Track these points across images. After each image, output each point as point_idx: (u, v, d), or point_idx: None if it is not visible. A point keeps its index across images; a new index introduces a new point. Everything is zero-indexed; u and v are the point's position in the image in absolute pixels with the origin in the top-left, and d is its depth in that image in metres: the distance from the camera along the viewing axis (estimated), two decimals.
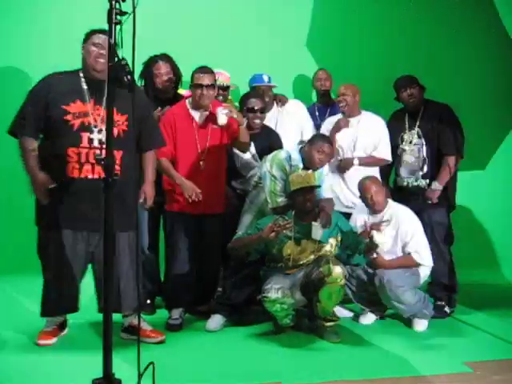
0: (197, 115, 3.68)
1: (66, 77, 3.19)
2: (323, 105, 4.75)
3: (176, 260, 3.70)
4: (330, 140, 3.76)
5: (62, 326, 3.36)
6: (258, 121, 3.94)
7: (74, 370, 2.84)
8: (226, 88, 4.28)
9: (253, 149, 3.99)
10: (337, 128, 4.09)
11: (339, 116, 4.29)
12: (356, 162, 4.10)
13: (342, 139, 4.16)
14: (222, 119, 3.54)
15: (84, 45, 3.18)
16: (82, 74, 3.18)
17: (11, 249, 5.09)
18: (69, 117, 3.05)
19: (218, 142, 3.71)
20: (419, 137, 4.05)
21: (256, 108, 3.92)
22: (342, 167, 4.14)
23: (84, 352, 3.09)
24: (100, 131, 3.05)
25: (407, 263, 3.62)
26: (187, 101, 3.72)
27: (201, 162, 3.66)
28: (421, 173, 4.03)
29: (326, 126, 4.27)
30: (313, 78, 4.85)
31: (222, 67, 4.29)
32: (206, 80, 3.58)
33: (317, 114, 4.67)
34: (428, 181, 4.01)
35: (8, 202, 5.21)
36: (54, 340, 3.25)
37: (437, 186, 3.93)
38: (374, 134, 4.16)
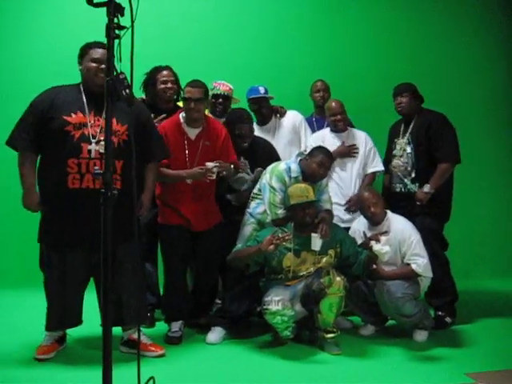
0: (189, 130, 3.65)
1: (66, 89, 3.20)
2: (321, 116, 4.73)
3: (172, 273, 3.69)
4: (330, 153, 3.77)
5: (61, 340, 3.35)
6: (245, 144, 3.92)
7: None
8: (226, 98, 4.21)
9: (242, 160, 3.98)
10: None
11: (327, 131, 4.37)
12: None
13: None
14: (212, 174, 3.53)
15: (81, 60, 3.19)
16: (82, 88, 3.20)
17: (11, 262, 5.09)
18: (69, 127, 3.05)
19: (207, 159, 3.63)
20: (409, 143, 4.08)
21: (241, 134, 3.89)
22: (352, 206, 4.17)
23: (83, 366, 3.08)
24: (98, 142, 3.05)
25: (406, 274, 3.61)
26: (181, 115, 3.70)
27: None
28: (409, 178, 4.06)
29: (314, 140, 4.29)
30: (310, 89, 4.84)
31: (221, 79, 4.30)
32: (195, 94, 3.56)
33: (315, 125, 4.65)
34: (417, 185, 4.02)
35: (9, 215, 5.21)
36: (52, 354, 3.22)
37: (428, 188, 3.93)
38: (363, 147, 4.26)
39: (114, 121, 3.11)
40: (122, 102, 2.06)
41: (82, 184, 3.03)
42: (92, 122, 3.08)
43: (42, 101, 3.13)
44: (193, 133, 3.65)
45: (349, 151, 4.21)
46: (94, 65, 3.11)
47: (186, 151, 3.62)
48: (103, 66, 3.06)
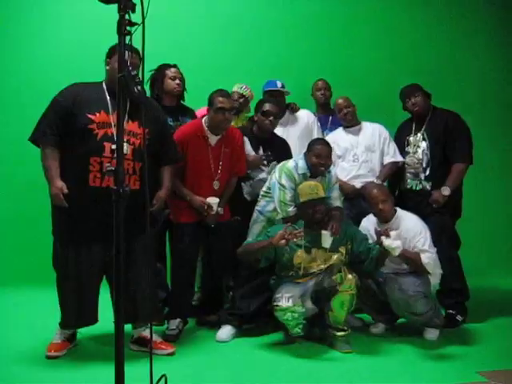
0: (211, 137, 3.68)
1: (90, 87, 3.20)
2: (324, 114, 4.77)
3: (180, 271, 3.70)
4: (325, 141, 3.80)
5: (72, 337, 3.35)
6: (269, 125, 3.96)
7: (84, 383, 2.82)
8: (245, 100, 4.40)
9: (261, 152, 4.02)
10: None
11: (340, 129, 4.38)
12: (379, 182, 4.11)
13: (344, 145, 4.24)
14: (212, 210, 3.61)
15: (109, 60, 3.18)
16: (105, 86, 3.19)
17: (20, 260, 5.10)
18: (93, 126, 3.05)
19: (228, 163, 3.75)
20: (424, 139, 4.07)
21: (269, 112, 3.93)
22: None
23: (95, 364, 3.08)
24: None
25: (414, 260, 3.53)
26: (203, 120, 3.72)
27: (215, 182, 3.68)
28: (423, 175, 4.04)
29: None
30: (312, 88, 4.85)
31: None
32: (228, 104, 3.61)
33: (318, 124, 4.66)
34: (431, 183, 4.01)
35: (19, 214, 5.24)
36: (63, 352, 3.22)
37: (447, 191, 3.92)
38: (378, 137, 4.25)
39: (137, 124, 3.13)
40: (133, 98, 2.05)
41: (103, 183, 3.03)
42: (116, 122, 3.07)
43: (65, 97, 3.12)
44: (214, 139, 3.69)
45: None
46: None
47: (210, 156, 3.67)
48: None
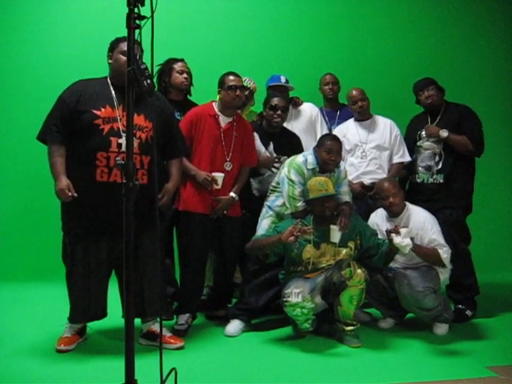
0: (223, 119, 3.73)
1: (94, 83, 3.21)
2: (331, 109, 4.75)
3: (189, 264, 3.68)
4: (335, 137, 3.78)
5: (82, 331, 3.36)
6: (278, 119, 3.95)
7: (94, 376, 2.83)
8: (250, 93, 4.40)
9: (271, 147, 4.01)
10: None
11: (351, 121, 4.35)
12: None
13: (354, 141, 4.22)
14: (217, 185, 3.63)
15: (111, 53, 3.20)
16: (109, 81, 3.20)
17: (30, 255, 5.13)
18: (99, 121, 3.06)
19: (240, 148, 3.76)
20: None
21: (277, 106, 3.93)
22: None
23: (104, 358, 3.09)
24: None
25: (431, 256, 3.53)
26: (214, 104, 3.78)
27: (226, 163, 3.69)
28: (436, 168, 4.03)
29: (337, 133, 4.24)
30: (320, 82, 4.83)
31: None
32: (239, 82, 3.70)
33: (326, 118, 4.65)
34: (443, 176, 3.99)
35: (28, 210, 5.27)
36: (73, 346, 3.24)
37: (445, 132, 3.95)
38: (389, 134, 4.21)
39: (143, 117, 3.13)
40: (143, 92, 2.04)
41: (110, 178, 3.04)
42: (121, 116, 3.08)
43: (70, 95, 3.13)
44: (224, 121, 3.73)
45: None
46: (123, 56, 3.09)
47: (222, 138, 3.70)
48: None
